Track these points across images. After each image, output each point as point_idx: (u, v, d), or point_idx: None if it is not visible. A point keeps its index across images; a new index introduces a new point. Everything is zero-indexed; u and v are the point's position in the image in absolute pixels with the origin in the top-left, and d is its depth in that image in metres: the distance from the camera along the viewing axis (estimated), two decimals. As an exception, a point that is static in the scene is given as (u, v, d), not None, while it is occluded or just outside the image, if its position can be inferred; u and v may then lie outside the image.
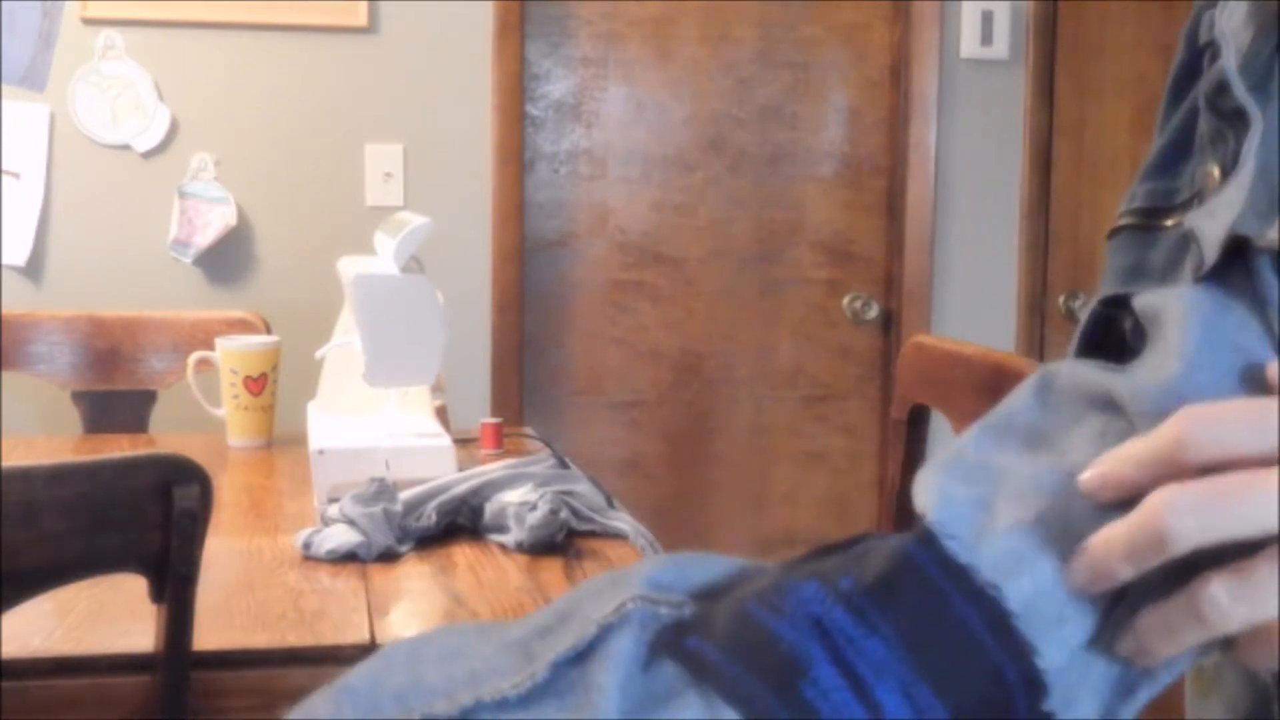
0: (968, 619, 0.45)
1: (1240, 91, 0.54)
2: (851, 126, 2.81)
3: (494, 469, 1.42)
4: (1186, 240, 0.55)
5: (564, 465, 1.50)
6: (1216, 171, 0.57)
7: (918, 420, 1.71)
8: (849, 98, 2.81)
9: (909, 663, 0.43)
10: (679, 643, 0.45)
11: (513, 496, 1.36)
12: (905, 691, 0.43)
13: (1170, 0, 2.79)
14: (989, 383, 1.49)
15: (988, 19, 2.76)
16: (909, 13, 2.75)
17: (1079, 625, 0.45)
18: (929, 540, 0.46)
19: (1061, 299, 2.86)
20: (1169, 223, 0.61)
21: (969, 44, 2.77)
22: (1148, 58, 2.84)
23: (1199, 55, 0.63)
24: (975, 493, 0.47)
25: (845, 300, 2.83)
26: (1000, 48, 2.78)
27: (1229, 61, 0.55)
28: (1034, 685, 0.44)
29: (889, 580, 0.46)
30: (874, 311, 2.83)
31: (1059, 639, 0.45)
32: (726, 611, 0.46)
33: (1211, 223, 0.53)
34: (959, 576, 0.45)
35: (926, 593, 0.45)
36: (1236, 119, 0.55)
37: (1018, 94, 2.80)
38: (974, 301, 2.82)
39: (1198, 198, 0.59)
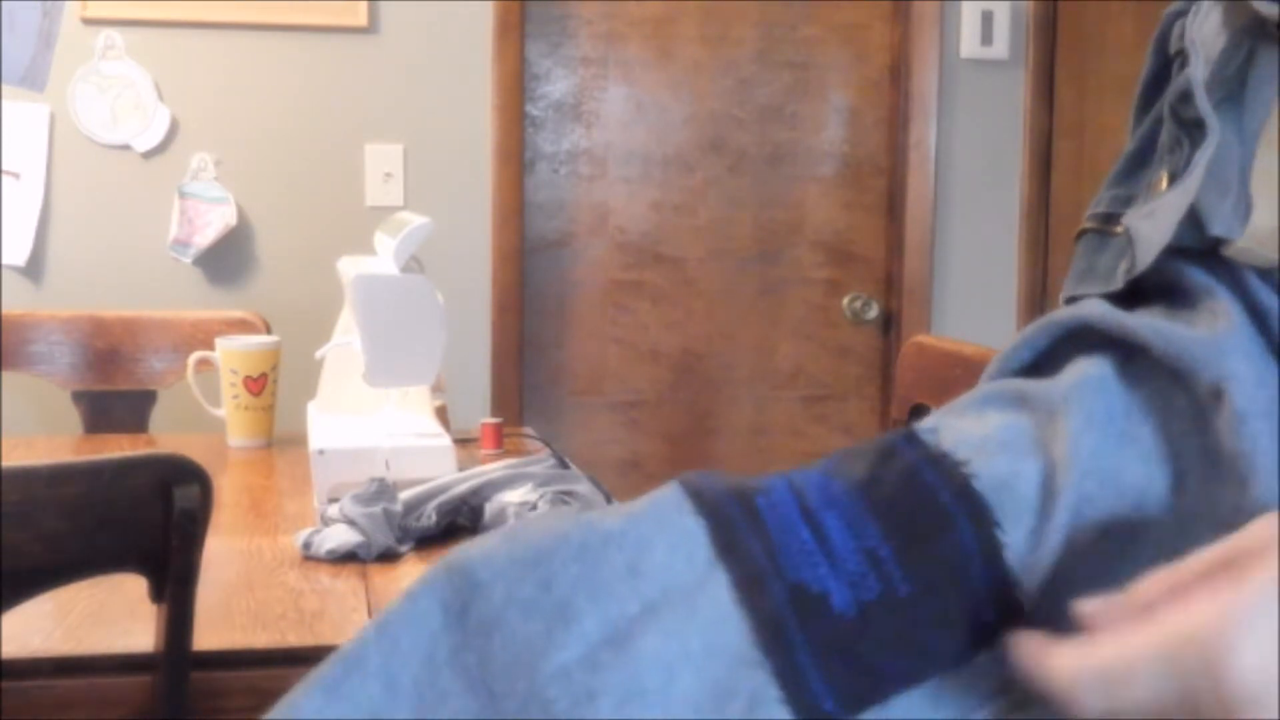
0: (924, 474, 0.49)
1: (1202, 102, 0.54)
2: (851, 126, 2.81)
3: (494, 469, 1.42)
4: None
5: (564, 465, 1.50)
6: (1165, 177, 0.57)
7: (917, 420, 1.71)
8: (849, 98, 2.81)
9: (861, 502, 0.47)
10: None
11: (513, 496, 1.36)
12: (850, 522, 0.46)
13: (1170, 0, 2.79)
14: (989, 383, 1.49)
15: (988, 19, 2.76)
16: (909, 13, 2.75)
17: (1052, 534, 0.47)
18: (908, 433, 0.52)
19: (1062, 299, 2.85)
20: (1119, 229, 0.61)
21: (969, 44, 2.77)
22: (1148, 58, 2.84)
23: (1168, 64, 0.63)
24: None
25: (845, 300, 2.83)
26: (1000, 48, 2.78)
27: (1196, 71, 0.55)
28: (992, 555, 0.46)
29: (860, 449, 0.51)
30: (874, 311, 2.83)
31: (1026, 527, 0.47)
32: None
33: (1149, 223, 0.55)
34: (927, 451, 0.50)
35: (891, 454, 0.50)
36: (1195, 128, 0.54)
37: (1018, 94, 2.79)
38: (974, 301, 2.82)
39: (1142, 200, 0.59)
